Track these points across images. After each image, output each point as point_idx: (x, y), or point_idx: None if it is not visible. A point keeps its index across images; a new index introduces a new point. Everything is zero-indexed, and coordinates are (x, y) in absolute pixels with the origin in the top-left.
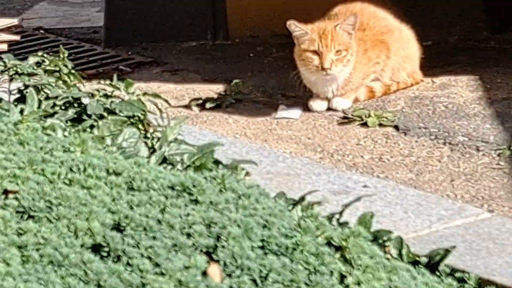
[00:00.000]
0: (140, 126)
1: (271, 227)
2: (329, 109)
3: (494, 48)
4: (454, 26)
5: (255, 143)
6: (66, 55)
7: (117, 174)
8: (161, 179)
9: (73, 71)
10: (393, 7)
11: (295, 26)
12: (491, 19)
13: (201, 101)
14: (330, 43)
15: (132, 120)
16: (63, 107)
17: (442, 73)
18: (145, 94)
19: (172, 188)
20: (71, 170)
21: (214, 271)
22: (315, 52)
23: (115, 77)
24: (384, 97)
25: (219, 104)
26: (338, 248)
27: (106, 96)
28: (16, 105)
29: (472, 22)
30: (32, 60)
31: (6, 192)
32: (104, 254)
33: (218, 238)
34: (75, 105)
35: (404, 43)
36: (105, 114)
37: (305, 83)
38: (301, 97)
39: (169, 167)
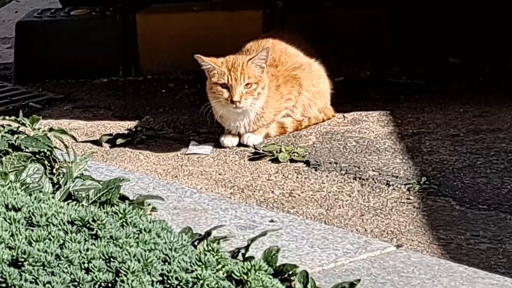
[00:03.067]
0: (46, 162)
1: (171, 262)
2: (240, 144)
3: (405, 83)
4: (365, 61)
5: (164, 179)
6: None
7: (17, 209)
8: (61, 214)
9: None
10: (303, 42)
11: (202, 60)
12: (400, 51)
13: (111, 138)
14: (240, 76)
15: (38, 156)
16: None
17: (353, 108)
18: (51, 130)
19: (72, 223)
20: None
21: None
22: (225, 85)
23: (21, 113)
24: (295, 133)
25: (130, 140)
26: (239, 282)
27: (12, 132)
28: None
29: (383, 57)
30: None
31: None
32: None
33: (117, 273)
34: None
35: (315, 79)
36: (9, 150)
37: (216, 119)
38: (212, 132)
39: (74, 203)
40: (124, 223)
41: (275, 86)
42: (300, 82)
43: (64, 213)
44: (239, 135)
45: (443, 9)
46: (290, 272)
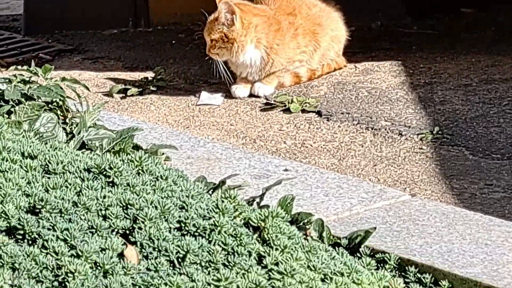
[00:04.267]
0: (58, 111)
1: (188, 209)
2: (251, 95)
3: (416, 33)
4: (376, 12)
5: (175, 130)
6: None
7: (33, 157)
8: (77, 162)
9: None
10: None
11: None
12: (411, 3)
13: (122, 89)
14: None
15: (50, 105)
16: None
17: (365, 59)
18: (63, 79)
19: (89, 170)
20: None
21: (131, 252)
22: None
23: (33, 62)
24: (307, 83)
25: (141, 92)
26: (257, 229)
27: (24, 82)
28: None
29: (395, 8)
30: None
31: None
32: (19, 237)
33: (135, 220)
34: None
35: (333, 24)
36: (22, 99)
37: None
38: (223, 83)
39: (88, 152)
40: (140, 171)
41: (292, 33)
42: (318, 39)
43: (80, 161)
44: (251, 85)
45: None
46: (306, 221)
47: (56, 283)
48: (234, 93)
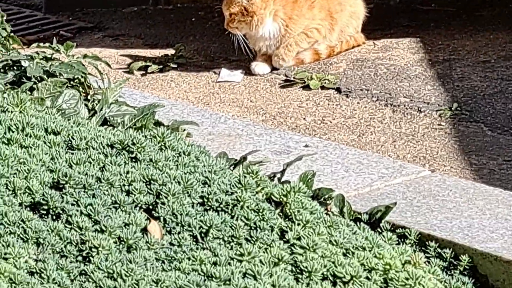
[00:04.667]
0: (80, 88)
1: (211, 184)
2: (274, 69)
3: (435, 10)
4: None
5: (195, 106)
6: (4, 18)
7: (56, 133)
8: (100, 138)
9: (12, 35)
10: None
11: None
12: None
13: (143, 66)
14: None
15: (72, 82)
16: (2, 70)
17: (383, 35)
18: (85, 56)
19: (112, 146)
20: (9, 129)
21: (154, 227)
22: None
23: (54, 40)
24: (326, 60)
25: (161, 69)
26: (279, 204)
27: (46, 59)
28: None
29: None
30: None
31: None
32: (43, 212)
33: (158, 195)
34: (15, 68)
35: (352, 0)
36: (44, 76)
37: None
38: (243, 60)
39: (110, 128)
40: (162, 147)
41: (307, 7)
42: (335, 15)
43: (103, 137)
44: (271, 60)
45: None
46: (326, 196)
47: (80, 258)
48: (253, 70)
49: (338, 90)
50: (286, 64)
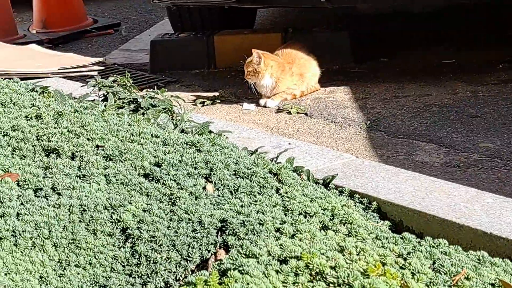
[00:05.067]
0: (169, 113)
1: (239, 163)
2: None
3: (358, 71)
4: (335, 59)
5: (230, 123)
6: (129, 76)
7: (157, 137)
8: (180, 139)
9: (133, 85)
10: (304, 49)
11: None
12: (355, 55)
13: (201, 101)
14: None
15: (164, 110)
16: (127, 103)
17: (330, 85)
18: (172, 96)
19: (186, 143)
20: (132, 134)
21: (209, 187)
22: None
23: (155, 88)
24: (299, 98)
25: (211, 103)
26: (275, 175)
27: (151, 97)
28: (102, 102)
29: (345, 56)
30: (110, 78)
31: (97, 146)
32: (150, 178)
33: (211, 169)
34: (134, 102)
35: (313, 68)
36: (150, 107)
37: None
38: (255, 98)
39: (185, 134)
40: (213, 143)
41: (290, 74)
42: (303, 78)
43: (182, 138)
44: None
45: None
46: (300, 171)
47: (170, 203)
48: (260, 103)
49: (306, 114)
50: (275, 104)
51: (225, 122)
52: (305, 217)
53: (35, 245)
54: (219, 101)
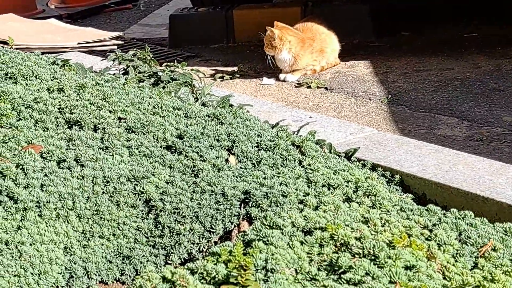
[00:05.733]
0: (189, 87)
1: (262, 136)
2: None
3: (378, 45)
4: (355, 33)
5: (250, 97)
6: (148, 50)
7: (178, 109)
8: (202, 112)
9: (153, 59)
10: (324, 23)
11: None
12: (375, 28)
13: (221, 76)
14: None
15: (185, 84)
16: (147, 77)
17: (350, 59)
18: (192, 69)
19: (208, 116)
20: (154, 107)
21: (232, 159)
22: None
23: (175, 62)
24: (319, 73)
25: (231, 77)
26: (298, 147)
27: (171, 71)
28: (122, 75)
29: (365, 30)
30: (130, 52)
31: (119, 119)
32: (173, 150)
33: (233, 141)
34: (154, 76)
35: (333, 42)
36: (170, 80)
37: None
38: (275, 73)
39: (206, 107)
40: (235, 116)
41: (310, 49)
42: (324, 53)
43: (203, 111)
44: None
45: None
46: (322, 144)
47: (192, 175)
48: (279, 78)
49: (326, 88)
50: (295, 79)
51: (245, 96)
52: (329, 189)
53: (59, 216)
54: (238, 75)
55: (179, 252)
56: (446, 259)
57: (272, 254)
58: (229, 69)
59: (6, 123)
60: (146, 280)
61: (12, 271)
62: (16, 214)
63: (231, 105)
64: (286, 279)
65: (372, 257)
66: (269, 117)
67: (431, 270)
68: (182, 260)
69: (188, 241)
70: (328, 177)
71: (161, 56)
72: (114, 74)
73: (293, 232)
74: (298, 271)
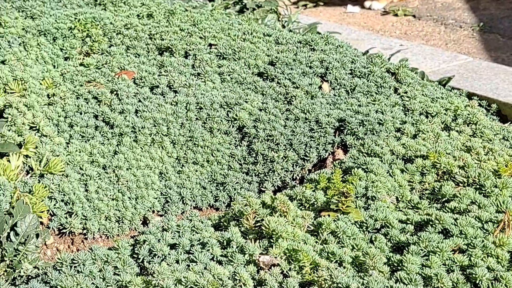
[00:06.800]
0: (275, 14)
1: (355, 62)
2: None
3: None
4: None
5: (337, 24)
6: None
7: (269, 35)
8: (293, 38)
9: None
10: None
11: None
12: None
13: (304, 4)
14: None
15: (270, 11)
16: (232, 4)
17: None
18: None
19: (300, 42)
20: (243, 33)
21: (325, 86)
22: None
23: None
24: (407, 0)
25: (315, 5)
26: (393, 74)
27: None
28: (209, 1)
29: None
30: None
31: (210, 45)
32: (264, 77)
33: (327, 68)
34: (239, 3)
35: None
36: (255, 7)
37: None
38: (360, 0)
39: (294, 34)
40: (326, 42)
41: None
42: None
43: (294, 38)
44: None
45: None
46: (414, 72)
47: (285, 102)
48: (365, 5)
49: (414, 16)
50: (381, 6)
51: (332, 23)
52: (427, 117)
53: (154, 142)
54: (322, 3)
55: (273, 179)
56: None
57: (372, 182)
58: None
59: (98, 49)
60: (246, 205)
61: (110, 195)
62: (113, 139)
63: (318, 33)
64: (387, 207)
65: (477, 186)
66: (358, 44)
67: None
68: (276, 187)
69: (281, 169)
70: (425, 105)
71: None
72: (201, 0)
73: (393, 160)
74: (400, 199)
